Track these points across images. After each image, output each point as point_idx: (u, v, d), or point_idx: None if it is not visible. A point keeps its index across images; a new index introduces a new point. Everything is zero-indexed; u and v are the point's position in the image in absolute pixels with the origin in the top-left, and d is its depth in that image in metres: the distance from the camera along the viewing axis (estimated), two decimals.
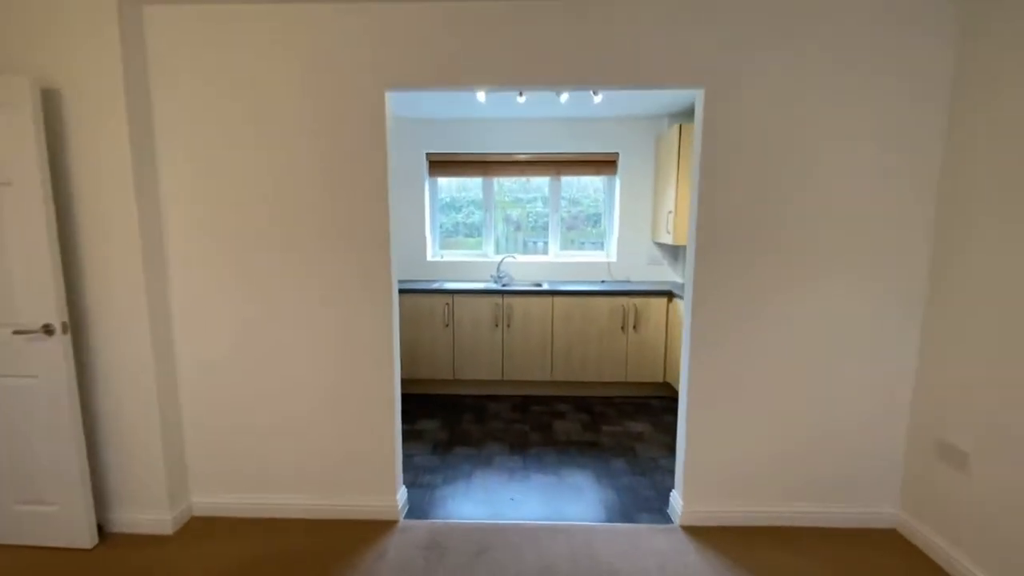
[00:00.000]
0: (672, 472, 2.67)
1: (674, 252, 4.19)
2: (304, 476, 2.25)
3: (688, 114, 3.87)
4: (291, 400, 2.21)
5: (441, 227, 4.45)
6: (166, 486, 2.14)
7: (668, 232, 3.69)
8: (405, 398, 3.73)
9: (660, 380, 3.75)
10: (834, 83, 1.95)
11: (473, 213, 4.41)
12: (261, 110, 2.03)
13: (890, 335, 2.10)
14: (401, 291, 3.71)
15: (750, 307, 2.10)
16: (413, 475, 2.65)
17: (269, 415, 2.22)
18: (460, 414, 3.50)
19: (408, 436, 3.12)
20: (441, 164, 4.22)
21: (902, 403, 2.14)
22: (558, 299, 3.68)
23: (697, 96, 2.04)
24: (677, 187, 3.56)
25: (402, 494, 2.32)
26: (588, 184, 4.39)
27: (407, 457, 2.85)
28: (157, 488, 2.14)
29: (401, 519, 2.26)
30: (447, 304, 3.70)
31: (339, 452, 2.23)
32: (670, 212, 3.65)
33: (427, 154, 4.18)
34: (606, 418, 3.44)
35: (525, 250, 4.43)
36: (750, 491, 2.21)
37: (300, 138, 2.04)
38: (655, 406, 3.66)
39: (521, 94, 2.90)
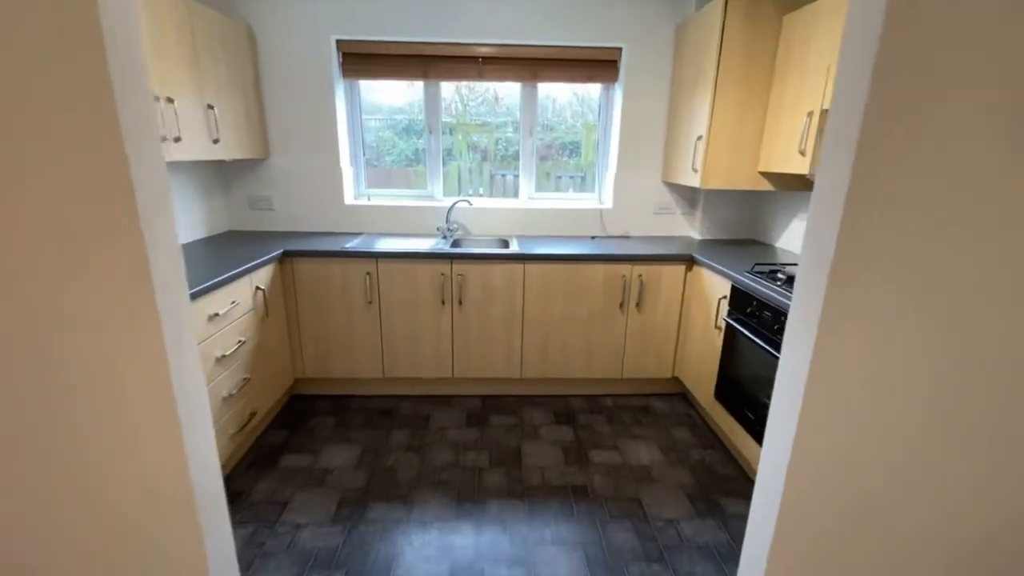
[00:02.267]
0: (705, 551, 1.73)
1: (692, 197, 3.06)
2: None
3: None
4: None
5: (393, 155, 3.15)
6: None
7: (694, 170, 2.53)
8: (312, 408, 2.62)
9: (668, 376, 2.77)
10: None
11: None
12: None
13: None
14: (298, 253, 2.49)
15: (922, 297, 1.03)
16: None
17: None
18: (389, 433, 2.45)
19: (305, 482, 2.07)
20: (360, 59, 2.84)
21: None
22: (531, 266, 2.55)
23: None
24: (714, 100, 2.36)
25: None
26: (566, 105, 3.13)
27: (293, 530, 1.81)
28: None
29: None
30: (369, 273, 2.53)
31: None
32: (700, 138, 2.48)
33: (337, 43, 2.79)
34: (595, 435, 2.47)
35: (492, 190, 3.22)
36: None
37: None
38: (659, 410, 2.71)
39: None
